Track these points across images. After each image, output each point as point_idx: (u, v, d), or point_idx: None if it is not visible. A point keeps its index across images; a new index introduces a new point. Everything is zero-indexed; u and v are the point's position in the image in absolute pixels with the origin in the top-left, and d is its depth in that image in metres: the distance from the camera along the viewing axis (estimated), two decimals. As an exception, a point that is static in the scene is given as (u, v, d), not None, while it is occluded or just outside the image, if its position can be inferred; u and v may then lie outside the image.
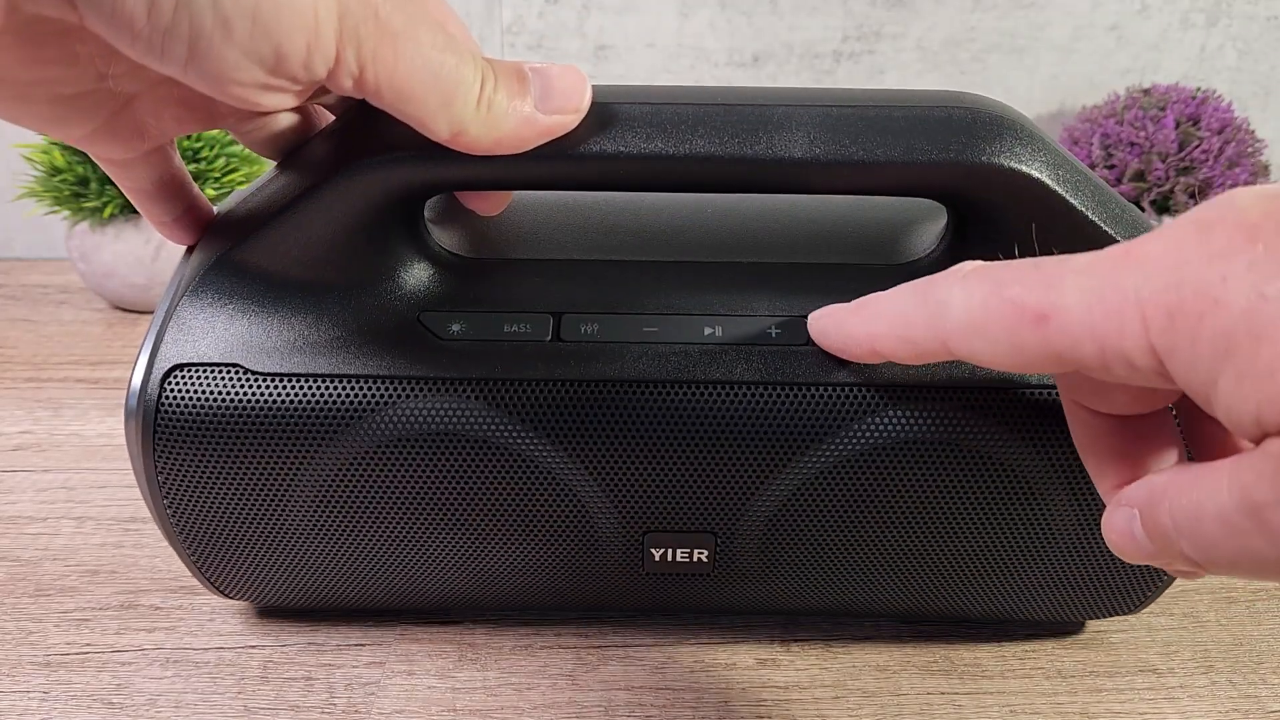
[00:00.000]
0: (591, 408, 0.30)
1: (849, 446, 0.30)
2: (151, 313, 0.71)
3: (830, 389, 0.30)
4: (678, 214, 0.36)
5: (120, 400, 0.57)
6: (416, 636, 0.37)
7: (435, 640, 0.36)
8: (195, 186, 0.33)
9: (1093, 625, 0.38)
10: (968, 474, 0.31)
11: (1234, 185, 0.71)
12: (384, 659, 0.35)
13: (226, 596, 0.36)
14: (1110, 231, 0.30)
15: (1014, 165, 0.28)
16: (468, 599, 0.35)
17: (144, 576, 0.40)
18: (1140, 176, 0.72)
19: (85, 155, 0.66)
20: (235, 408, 0.30)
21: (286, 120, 0.32)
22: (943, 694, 0.34)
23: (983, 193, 0.29)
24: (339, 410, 0.30)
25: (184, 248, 0.33)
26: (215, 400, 0.30)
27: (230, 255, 0.31)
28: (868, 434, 0.30)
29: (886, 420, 0.30)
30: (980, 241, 0.31)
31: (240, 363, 0.30)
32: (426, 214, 0.34)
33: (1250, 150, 0.72)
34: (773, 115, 0.29)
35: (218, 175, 0.67)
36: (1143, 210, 0.73)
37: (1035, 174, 0.29)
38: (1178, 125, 0.71)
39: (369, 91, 0.24)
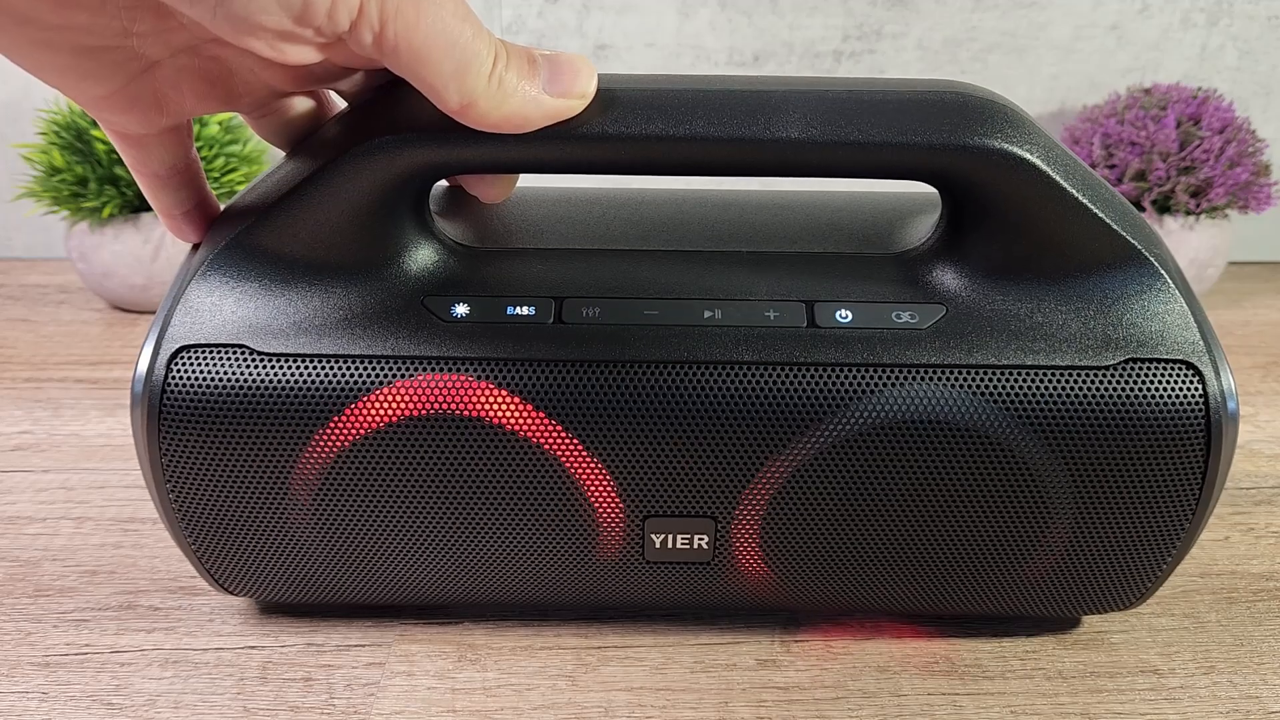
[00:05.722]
0: (593, 388, 0.30)
1: (848, 427, 0.30)
2: (151, 313, 0.71)
3: (830, 369, 0.30)
4: (677, 207, 0.37)
5: (119, 400, 0.57)
6: (416, 637, 0.36)
7: (435, 640, 0.36)
8: (207, 182, 0.33)
9: (1093, 626, 0.37)
10: (967, 456, 0.31)
11: (1234, 185, 0.71)
12: (384, 659, 0.35)
13: (228, 592, 0.36)
14: (1101, 215, 0.30)
15: (1005, 146, 0.29)
16: (469, 592, 0.35)
17: (143, 577, 0.40)
18: (1141, 176, 0.72)
19: (84, 155, 0.66)
20: (241, 388, 0.30)
21: (299, 107, 0.33)
22: (943, 694, 0.34)
23: (975, 174, 0.30)
24: (342, 390, 0.30)
25: (186, 248, 0.33)
26: (221, 381, 0.30)
27: (239, 239, 0.31)
28: (867, 414, 0.30)
29: (886, 400, 0.30)
30: (974, 227, 0.31)
31: (247, 343, 0.31)
32: (431, 207, 0.34)
33: (1251, 150, 0.72)
34: (770, 99, 0.29)
35: (217, 175, 0.67)
36: (1143, 210, 0.73)
37: (1026, 155, 0.29)
38: (1179, 125, 0.71)
39: (387, 50, 0.25)
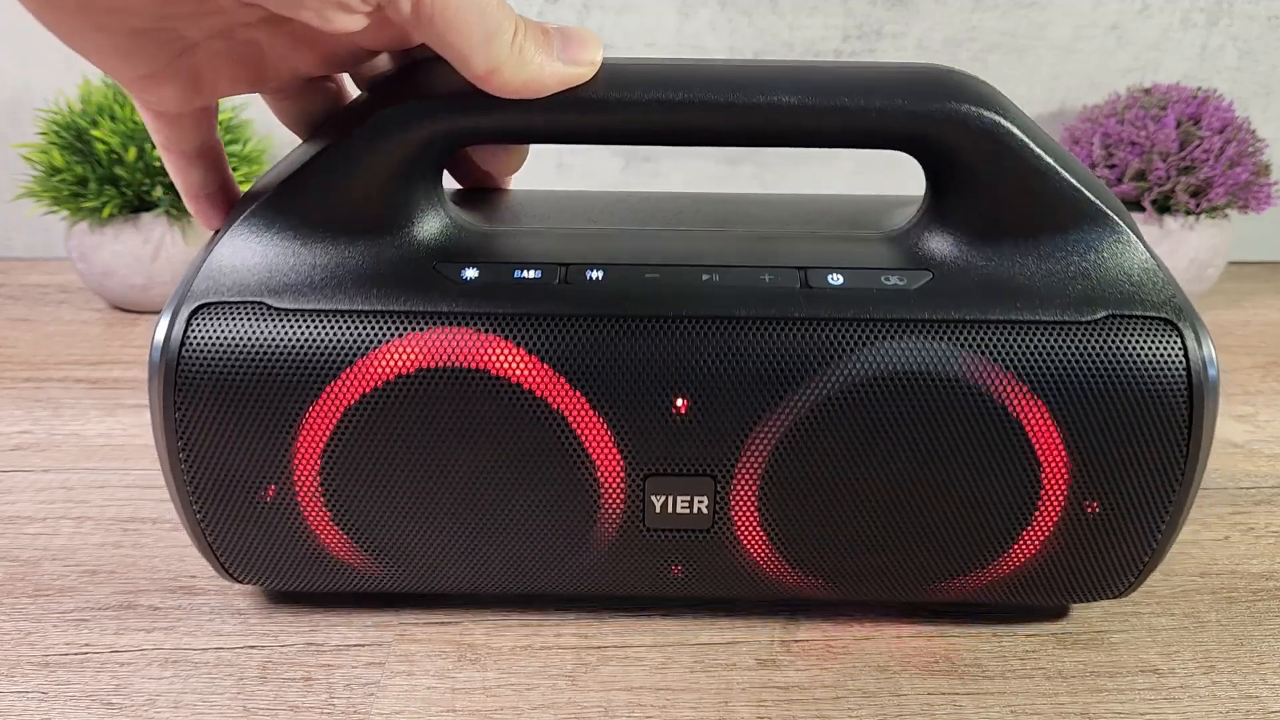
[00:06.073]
0: (595, 341, 0.32)
1: (840, 380, 0.31)
2: (152, 313, 0.71)
3: (823, 324, 0.32)
4: (674, 201, 0.40)
5: (119, 400, 0.57)
6: (416, 637, 0.36)
7: (435, 640, 0.36)
8: (229, 167, 0.35)
9: (1093, 625, 0.37)
10: (958, 410, 0.32)
11: (1234, 185, 0.71)
12: (384, 659, 0.35)
13: (232, 578, 0.36)
14: (1071, 179, 0.32)
15: (978, 111, 0.31)
16: (472, 566, 0.35)
17: (143, 576, 0.40)
18: (1141, 176, 0.72)
19: (85, 155, 0.66)
20: (255, 342, 0.32)
21: (321, 94, 0.35)
22: (943, 694, 0.34)
23: (951, 139, 0.32)
24: (354, 344, 0.31)
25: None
26: (237, 336, 0.32)
27: (264, 205, 0.33)
28: (858, 368, 0.31)
29: (877, 354, 0.31)
30: (954, 193, 0.33)
31: (264, 300, 0.32)
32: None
33: (1251, 150, 0.72)
34: (763, 72, 0.32)
35: (217, 175, 0.66)
36: (1142, 210, 0.73)
37: (998, 119, 0.31)
38: (1179, 125, 0.71)
39: (424, 16, 0.27)
